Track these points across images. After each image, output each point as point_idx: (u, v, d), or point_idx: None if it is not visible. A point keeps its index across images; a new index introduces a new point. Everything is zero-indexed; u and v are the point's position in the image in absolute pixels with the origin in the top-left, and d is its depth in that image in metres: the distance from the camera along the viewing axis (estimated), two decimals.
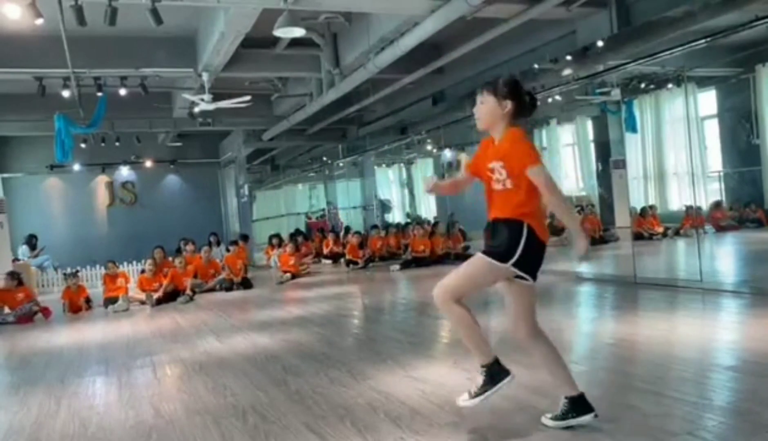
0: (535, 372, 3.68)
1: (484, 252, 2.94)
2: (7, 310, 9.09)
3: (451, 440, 3.02)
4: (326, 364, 4.77)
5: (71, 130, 10.48)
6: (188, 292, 9.98)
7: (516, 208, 2.90)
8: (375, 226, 14.11)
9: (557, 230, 12.21)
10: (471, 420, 3.10)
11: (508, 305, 3.04)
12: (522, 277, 2.93)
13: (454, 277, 2.99)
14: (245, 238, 12.21)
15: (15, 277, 9.52)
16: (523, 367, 3.95)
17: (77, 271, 10.82)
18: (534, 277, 2.96)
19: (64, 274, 10.19)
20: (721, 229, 10.02)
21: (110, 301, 9.66)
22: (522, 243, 2.87)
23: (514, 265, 2.88)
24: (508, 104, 2.95)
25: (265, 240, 15.89)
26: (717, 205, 10.23)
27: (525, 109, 3.00)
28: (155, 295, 9.81)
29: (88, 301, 9.77)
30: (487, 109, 2.99)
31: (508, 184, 2.90)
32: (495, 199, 2.97)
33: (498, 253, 2.90)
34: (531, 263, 2.93)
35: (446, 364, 4.52)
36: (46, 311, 9.18)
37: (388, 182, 18.38)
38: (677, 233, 10.01)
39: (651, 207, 10.79)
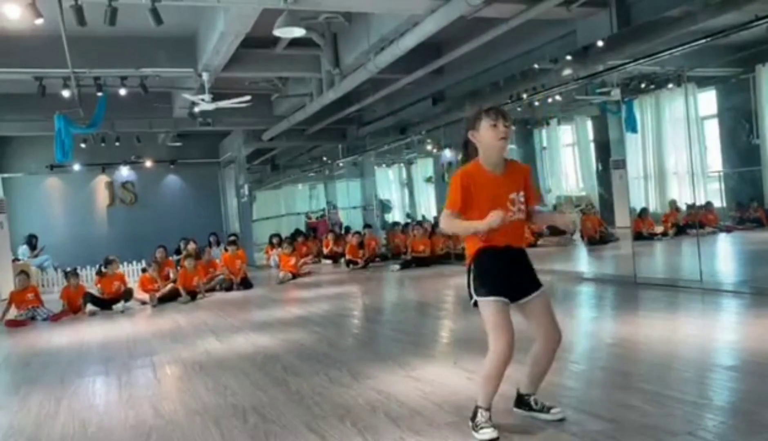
0: None
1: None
2: (14, 310, 8.94)
3: (451, 440, 3.02)
4: (326, 364, 4.77)
5: (71, 130, 10.47)
6: (185, 296, 9.87)
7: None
8: (368, 226, 14.11)
9: (557, 231, 12.25)
10: None
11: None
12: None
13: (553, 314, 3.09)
14: (234, 242, 12.00)
15: (27, 275, 9.48)
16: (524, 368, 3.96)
17: (75, 270, 10.72)
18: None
19: (65, 273, 10.11)
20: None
21: (112, 301, 9.52)
22: None
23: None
24: None
25: (265, 240, 15.89)
26: (702, 207, 10.23)
27: None
28: (158, 294, 9.79)
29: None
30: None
31: (522, 215, 3.02)
32: (510, 229, 2.96)
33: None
34: None
35: (446, 364, 4.52)
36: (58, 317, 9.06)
37: (388, 182, 18.37)
38: (683, 231, 9.94)
39: (673, 202, 10.73)
